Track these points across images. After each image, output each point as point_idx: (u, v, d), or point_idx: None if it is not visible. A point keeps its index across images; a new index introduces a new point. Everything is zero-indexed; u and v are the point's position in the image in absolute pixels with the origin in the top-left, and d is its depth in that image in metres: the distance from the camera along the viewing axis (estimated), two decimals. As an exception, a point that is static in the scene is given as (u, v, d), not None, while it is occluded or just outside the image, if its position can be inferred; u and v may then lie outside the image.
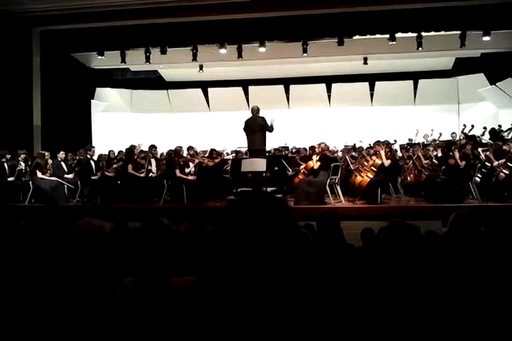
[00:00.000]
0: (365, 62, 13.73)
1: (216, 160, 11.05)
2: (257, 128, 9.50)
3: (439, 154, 10.29)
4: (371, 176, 9.13)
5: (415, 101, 15.71)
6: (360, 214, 8.26)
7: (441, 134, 12.34)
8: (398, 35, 11.42)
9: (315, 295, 1.38)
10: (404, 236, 2.51)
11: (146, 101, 16.38)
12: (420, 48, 11.53)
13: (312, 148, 10.47)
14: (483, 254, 2.15)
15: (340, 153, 11.59)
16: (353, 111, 15.68)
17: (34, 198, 10.07)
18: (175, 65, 14.43)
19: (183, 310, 1.42)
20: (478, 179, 9.40)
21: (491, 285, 1.82)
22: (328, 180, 9.07)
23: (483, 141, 11.87)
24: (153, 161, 10.52)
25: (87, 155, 10.46)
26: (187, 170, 9.89)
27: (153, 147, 10.76)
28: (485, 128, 12.43)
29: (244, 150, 11.78)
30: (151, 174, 10.26)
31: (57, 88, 12.60)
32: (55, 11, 11.18)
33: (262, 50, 12.14)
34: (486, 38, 11.27)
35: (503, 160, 9.22)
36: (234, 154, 12.16)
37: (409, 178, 10.18)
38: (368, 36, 11.68)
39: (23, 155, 10.39)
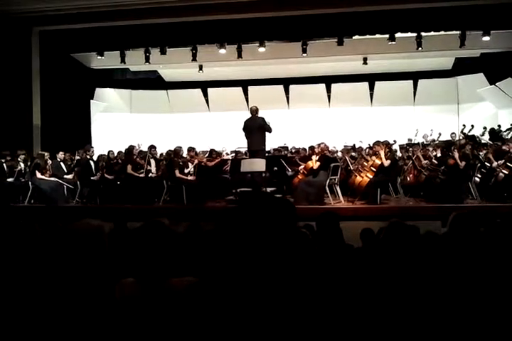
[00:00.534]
0: (365, 62, 13.74)
1: (216, 161, 11.05)
2: (256, 128, 9.49)
3: (439, 154, 10.29)
4: (371, 176, 9.13)
5: (415, 101, 15.71)
6: (359, 214, 8.26)
7: (440, 134, 12.35)
8: (398, 35, 11.42)
9: (314, 296, 1.38)
10: (404, 236, 2.51)
11: (146, 102, 16.38)
12: (420, 48, 11.53)
13: (312, 148, 10.47)
14: (483, 254, 2.15)
15: (339, 153, 11.59)
16: (353, 111, 15.69)
17: (33, 199, 10.05)
18: (174, 65, 14.43)
19: (182, 310, 1.42)
20: (477, 179, 9.41)
21: (491, 286, 1.82)
22: (328, 181, 9.06)
23: (483, 141, 11.87)
24: (152, 161, 10.52)
25: (87, 155, 10.46)
26: (186, 171, 9.89)
27: (152, 147, 10.76)
28: (485, 128, 12.43)
29: (243, 150, 11.78)
30: (150, 174, 10.26)
31: (57, 88, 12.60)
32: (55, 11, 11.18)
33: (261, 50, 12.14)
34: (486, 38, 11.27)
35: (503, 161, 9.22)
36: (233, 154, 12.16)
37: (408, 178, 10.18)
38: (368, 36, 11.68)
39: (22, 156, 10.39)
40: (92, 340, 1.66)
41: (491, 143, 11.39)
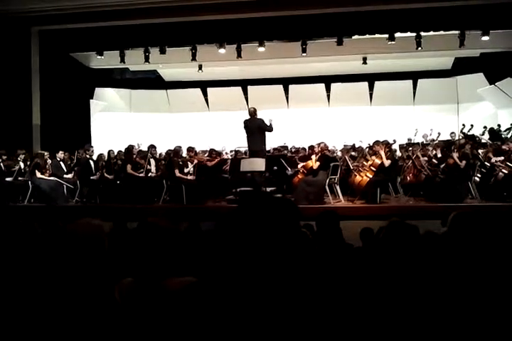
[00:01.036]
0: (365, 62, 13.74)
1: (215, 160, 11.04)
2: (255, 129, 9.50)
3: (439, 154, 10.29)
4: (370, 176, 9.13)
5: (414, 101, 15.72)
6: (359, 213, 8.26)
7: (440, 134, 12.34)
8: (397, 34, 11.42)
9: (314, 295, 1.38)
10: (404, 236, 2.51)
11: (145, 101, 16.38)
12: (419, 48, 11.52)
13: (311, 147, 10.47)
14: (483, 254, 2.15)
15: (339, 153, 11.59)
16: (352, 110, 15.69)
17: (33, 198, 10.06)
18: (174, 64, 14.42)
19: (181, 310, 1.42)
20: (477, 178, 9.41)
21: (491, 285, 1.82)
22: (328, 180, 9.07)
23: (483, 141, 11.87)
24: (152, 161, 10.52)
25: (86, 155, 10.45)
26: (186, 170, 9.89)
27: (152, 147, 10.76)
28: (485, 127, 12.44)
29: (243, 150, 11.78)
30: (150, 174, 10.26)
31: (57, 88, 12.59)
32: (54, 11, 11.17)
33: (261, 49, 12.13)
34: (485, 38, 11.27)
35: (502, 157, 9.23)
36: (233, 154, 12.16)
37: (408, 178, 10.18)
38: (367, 36, 11.66)
39: (22, 155, 10.38)
40: (91, 340, 1.66)
41: (490, 142, 11.39)
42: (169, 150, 11.01)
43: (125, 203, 9.56)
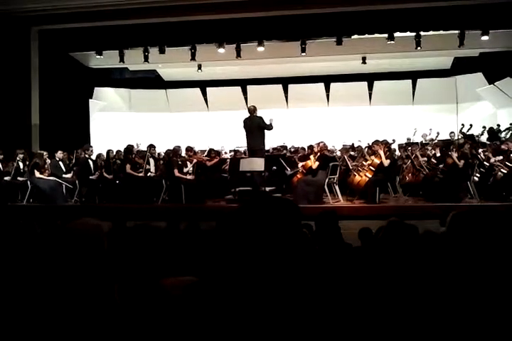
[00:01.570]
0: (364, 62, 13.74)
1: (214, 160, 11.05)
2: (254, 128, 9.50)
3: (438, 154, 10.30)
4: (370, 176, 9.13)
5: (414, 100, 15.73)
6: (358, 213, 8.26)
7: (439, 134, 12.35)
8: (397, 34, 11.42)
9: (314, 295, 1.38)
10: (402, 235, 2.51)
11: (145, 101, 16.37)
12: (419, 48, 11.54)
13: (311, 147, 10.48)
14: (482, 254, 2.15)
15: (338, 153, 11.59)
16: (352, 110, 15.69)
17: (32, 198, 10.05)
18: (173, 64, 14.42)
19: (181, 310, 1.42)
20: (476, 178, 9.42)
21: (490, 285, 1.82)
22: (327, 180, 9.07)
23: (482, 141, 11.88)
24: (151, 161, 10.52)
25: (85, 154, 10.45)
26: (185, 170, 9.89)
27: (151, 146, 10.76)
28: (484, 127, 12.44)
29: (242, 149, 11.78)
30: (149, 174, 10.25)
31: (56, 87, 12.58)
32: (54, 11, 11.16)
33: (260, 49, 12.14)
34: (485, 38, 11.27)
35: (501, 157, 9.23)
36: (232, 153, 12.16)
37: (407, 178, 10.19)
38: (367, 36, 11.67)
39: (21, 155, 10.38)
40: (91, 340, 1.67)
41: (489, 142, 11.39)
42: (168, 149, 11.01)
43: (124, 203, 9.56)
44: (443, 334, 1.68)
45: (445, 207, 7.75)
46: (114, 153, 11.44)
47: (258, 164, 9.24)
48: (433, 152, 10.59)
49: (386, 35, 11.46)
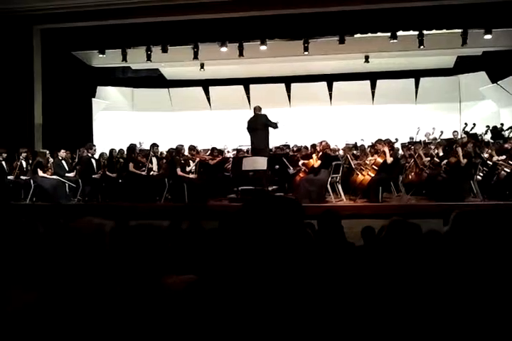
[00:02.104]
0: (367, 61, 13.73)
1: (217, 159, 11.04)
2: (258, 126, 9.51)
3: (441, 153, 10.27)
4: (372, 175, 9.12)
5: (417, 99, 15.71)
6: (361, 212, 8.26)
7: (442, 132, 12.32)
8: (400, 33, 11.41)
9: (316, 294, 1.38)
10: (405, 234, 2.51)
11: (147, 100, 16.38)
12: (422, 46, 11.52)
13: (313, 146, 10.47)
14: (485, 253, 2.15)
15: (341, 152, 11.58)
16: (355, 109, 15.68)
17: (35, 197, 10.07)
18: (176, 63, 14.43)
19: (182, 308, 1.42)
20: (479, 177, 9.40)
21: (493, 285, 1.82)
22: (329, 179, 9.06)
23: (485, 140, 11.85)
24: (154, 160, 10.52)
25: (88, 153, 10.46)
26: (188, 169, 9.89)
27: (154, 145, 10.77)
28: (488, 126, 12.42)
29: (245, 148, 11.78)
30: (152, 172, 10.26)
31: (59, 86, 12.60)
32: (56, 10, 11.18)
33: (263, 48, 12.12)
34: (488, 37, 11.25)
35: (504, 156, 9.21)
36: (235, 152, 12.16)
37: (410, 177, 10.16)
38: (370, 34, 11.65)
39: (24, 154, 10.40)
40: (92, 339, 1.67)
41: (492, 141, 11.36)
42: (171, 148, 11.01)
43: (127, 202, 9.57)
44: (446, 333, 1.68)
45: (448, 206, 7.73)
46: (117, 152, 11.45)
47: (261, 163, 9.24)
48: (436, 151, 10.57)
49: (389, 34, 11.44)
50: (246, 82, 16.10)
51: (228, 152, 12.82)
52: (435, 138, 12.25)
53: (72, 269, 1.85)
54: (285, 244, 1.35)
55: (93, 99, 14.83)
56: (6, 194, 9.82)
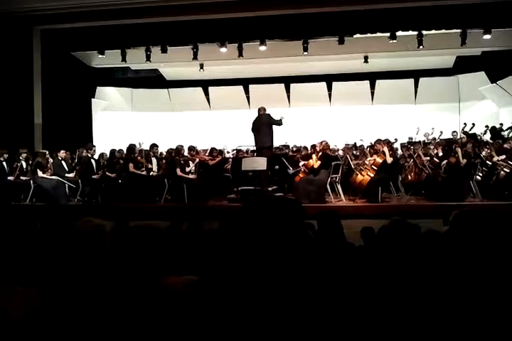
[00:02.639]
0: (366, 61, 13.73)
1: (217, 159, 11.04)
2: (262, 125, 9.57)
3: (440, 153, 10.28)
4: (372, 175, 9.12)
5: (416, 99, 15.70)
6: (360, 212, 8.26)
7: (441, 133, 12.32)
8: (399, 33, 11.41)
9: (316, 294, 1.38)
10: (405, 234, 2.51)
11: (147, 100, 16.37)
12: (421, 47, 11.52)
13: (313, 146, 10.48)
14: (485, 253, 2.15)
15: (341, 152, 11.58)
16: (354, 109, 15.68)
17: (35, 197, 10.06)
18: (175, 63, 14.43)
19: (182, 309, 1.42)
20: (479, 177, 9.40)
21: (493, 285, 1.82)
22: (329, 179, 9.06)
23: (484, 140, 11.85)
24: (153, 160, 10.52)
25: (88, 154, 10.46)
26: (188, 169, 9.89)
27: (154, 146, 10.76)
28: (487, 126, 12.41)
29: (245, 148, 11.78)
30: (151, 173, 10.26)
31: (58, 87, 12.60)
32: (56, 10, 11.17)
33: (262, 48, 12.13)
34: (487, 36, 11.27)
35: (503, 156, 9.22)
36: (235, 153, 12.16)
37: (409, 177, 10.17)
38: (369, 35, 11.66)
39: (24, 154, 10.39)
40: (92, 339, 1.67)
41: (491, 141, 11.37)
42: (171, 149, 11.01)
43: (127, 202, 9.57)
44: (446, 333, 1.68)
45: (448, 206, 7.74)
46: (117, 152, 11.45)
47: (260, 163, 9.25)
48: (435, 151, 10.57)
49: (388, 34, 11.44)
50: (245, 83, 16.10)
51: (228, 152, 12.82)
52: (434, 138, 12.25)
53: (72, 269, 1.86)
54: (285, 244, 1.36)
55: (93, 99, 14.83)
56: (6, 195, 9.81)
